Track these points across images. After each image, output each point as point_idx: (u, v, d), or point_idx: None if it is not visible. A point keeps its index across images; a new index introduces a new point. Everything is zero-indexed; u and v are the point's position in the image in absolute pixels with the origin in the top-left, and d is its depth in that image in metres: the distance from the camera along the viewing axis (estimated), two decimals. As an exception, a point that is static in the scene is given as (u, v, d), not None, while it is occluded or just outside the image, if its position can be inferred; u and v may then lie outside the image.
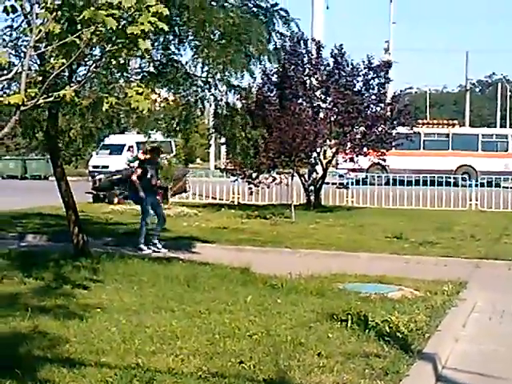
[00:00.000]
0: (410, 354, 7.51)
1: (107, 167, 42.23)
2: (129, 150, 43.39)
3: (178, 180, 28.86)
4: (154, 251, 15.38)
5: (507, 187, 29.62)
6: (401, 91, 27.98)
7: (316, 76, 25.01)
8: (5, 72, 9.53)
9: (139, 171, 15.54)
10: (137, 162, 22.57)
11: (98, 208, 24.73)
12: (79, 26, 7.88)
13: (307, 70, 25.03)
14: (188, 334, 7.96)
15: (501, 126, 68.28)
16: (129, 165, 25.93)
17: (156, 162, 16.65)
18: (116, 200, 26.57)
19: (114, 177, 28.51)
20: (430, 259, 15.28)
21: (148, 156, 16.34)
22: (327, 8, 28.98)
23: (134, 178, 15.52)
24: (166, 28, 8.43)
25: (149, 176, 15.50)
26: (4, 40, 11.89)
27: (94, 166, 43.41)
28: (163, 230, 16.43)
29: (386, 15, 60.55)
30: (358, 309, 9.26)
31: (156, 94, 13.27)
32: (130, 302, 9.75)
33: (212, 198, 28.72)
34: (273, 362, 7.00)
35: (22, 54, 9.20)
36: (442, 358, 7.85)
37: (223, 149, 30.79)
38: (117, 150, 43.62)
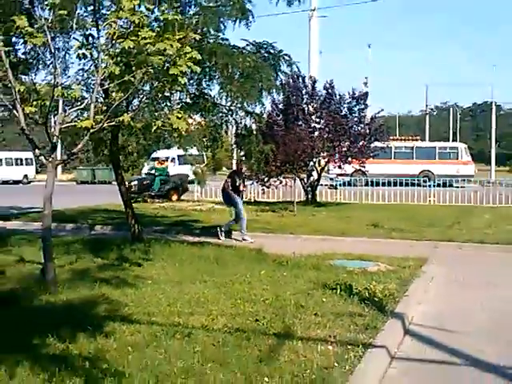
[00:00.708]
0: (385, 313, 7.79)
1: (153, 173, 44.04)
2: (172, 161, 44.46)
3: (184, 183, 29.33)
4: (219, 237, 15.39)
5: (458, 187, 30.28)
6: (376, 114, 27.69)
7: (312, 104, 25.36)
8: (78, 103, 10.55)
9: (229, 181, 15.46)
10: (153, 170, 23.74)
11: (148, 205, 24.76)
12: (134, 68, 8.97)
13: (305, 99, 25.42)
14: (216, 300, 8.25)
15: (453, 141, 68.90)
16: (148, 173, 26.74)
17: (242, 172, 16.34)
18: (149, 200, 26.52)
19: (144, 182, 28.38)
20: (400, 241, 15.33)
21: (238, 169, 16.45)
22: (320, 53, 29.52)
23: (226, 187, 15.57)
24: (198, 69, 9.38)
25: (237, 184, 15.40)
26: (77, 79, 12.06)
27: (146, 173, 44.99)
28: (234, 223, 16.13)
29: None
30: (344, 280, 9.59)
31: (191, 118, 13.34)
32: (173, 276, 9.99)
33: None
34: (280, 320, 7.27)
35: (91, 90, 9.60)
36: (409, 317, 8.06)
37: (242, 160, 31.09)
38: (162, 161, 44.79)
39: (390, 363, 6.34)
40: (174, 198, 28.34)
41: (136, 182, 28.09)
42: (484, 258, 13.70)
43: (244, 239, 15.27)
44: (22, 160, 50.13)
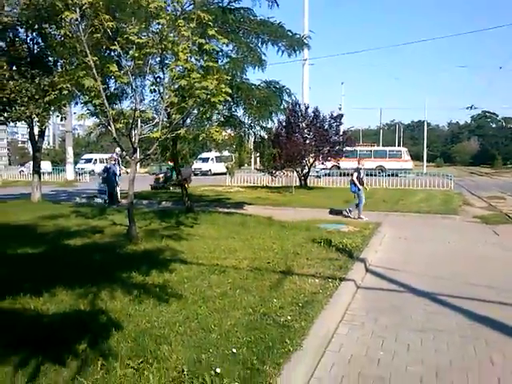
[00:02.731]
0: (353, 258, 7.86)
1: (200, 169, 44.41)
2: (212, 160, 44.66)
3: (189, 175, 27.10)
4: (348, 216, 14.07)
5: (403, 176, 30.12)
6: (347, 129, 27.88)
7: (304, 122, 25.13)
8: (150, 122, 10.66)
9: (355, 174, 14.17)
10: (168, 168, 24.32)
11: (196, 188, 23.97)
12: (187, 98, 9.04)
13: (300, 118, 25.09)
14: (242, 249, 8.25)
15: (398, 146, 68.78)
16: (169, 168, 25.50)
17: (359, 168, 14.75)
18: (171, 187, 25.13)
19: (167, 175, 26.54)
20: (363, 211, 14.51)
21: (358, 164, 14.98)
22: (310, 88, 29.29)
23: (354, 178, 14.15)
24: (229, 99, 9.44)
25: (361, 176, 14.31)
26: (150, 106, 12.17)
27: (195, 168, 45.47)
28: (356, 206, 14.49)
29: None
30: (326, 236, 9.53)
31: (225, 131, 13.16)
32: (213, 234, 9.95)
33: (253, 183, 28.11)
34: (284, 262, 7.32)
35: (159, 113, 9.51)
36: (369, 260, 8.08)
37: (258, 159, 31.06)
38: (206, 160, 44.87)
39: (356, 290, 6.40)
40: (187, 185, 26.74)
41: (162, 175, 27.19)
42: (419, 222, 13.54)
43: (360, 217, 13.78)
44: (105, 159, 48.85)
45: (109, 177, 17.31)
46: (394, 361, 4.13)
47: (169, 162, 22.65)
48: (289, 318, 4.76)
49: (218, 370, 3.51)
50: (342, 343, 4.52)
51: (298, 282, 6.20)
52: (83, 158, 50.42)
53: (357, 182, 14.06)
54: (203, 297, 5.39)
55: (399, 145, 78.03)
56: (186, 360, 3.70)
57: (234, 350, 3.90)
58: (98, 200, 18.06)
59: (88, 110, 9.22)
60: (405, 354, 4.27)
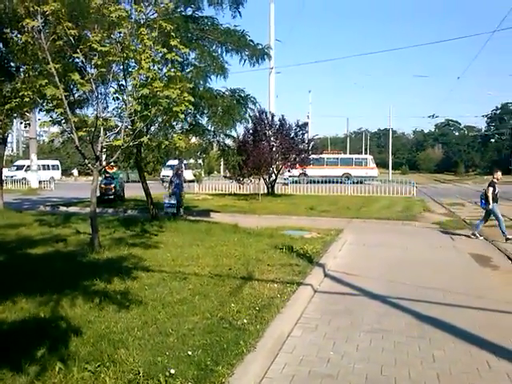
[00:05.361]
0: (312, 263, 8.06)
1: (168, 176, 44.54)
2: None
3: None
4: (477, 237, 11.92)
5: (368, 183, 30.87)
6: (313, 137, 28.02)
7: (271, 130, 25.33)
8: (114, 129, 10.61)
9: (491, 190, 11.77)
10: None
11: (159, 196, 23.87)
12: (150, 107, 9.09)
13: (267, 126, 25.25)
14: (204, 256, 8.31)
15: (364, 154, 70.22)
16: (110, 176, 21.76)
17: (495, 183, 12.17)
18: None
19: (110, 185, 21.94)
20: (326, 218, 15.43)
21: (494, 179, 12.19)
22: (276, 96, 29.55)
23: (489, 194, 11.75)
24: (191, 108, 9.58)
25: (496, 192, 11.87)
26: (113, 113, 11.12)
27: (163, 176, 45.27)
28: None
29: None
30: (288, 243, 9.72)
31: (189, 139, 13.51)
32: (176, 241, 9.92)
33: (221, 190, 28.32)
34: (245, 268, 7.45)
35: (123, 120, 9.27)
36: (328, 266, 8.28)
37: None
38: (172, 167, 44.85)
39: (313, 294, 6.61)
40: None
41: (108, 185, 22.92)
42: (379, 228, 13.83)
43: (508, 238, 11.48)
44: (49, 166, 44.61)
45: (176, 188, 16.08)
46: (342, 360, 4.37)
47: (108, 169, 20.39)
48: (245, 321, 4.94)
49: (173, 371, 3.65)
50: (295, 345, 4.74)
51: (257, 287, 6.36)
52: (15, 164, 45.75)
53: (490, 199, 11.92)
54: (163, 303, 5.51)
55: (366, 152, 79.74)
56: (142, 363, 3.84)
57: (190, 353, 4.06)
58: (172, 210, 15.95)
59: (51, 117, 9.18)
60: (354, 354, 4.52)
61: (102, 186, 21.18)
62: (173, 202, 15.45)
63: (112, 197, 21.62)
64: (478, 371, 4.15)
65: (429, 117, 76.97)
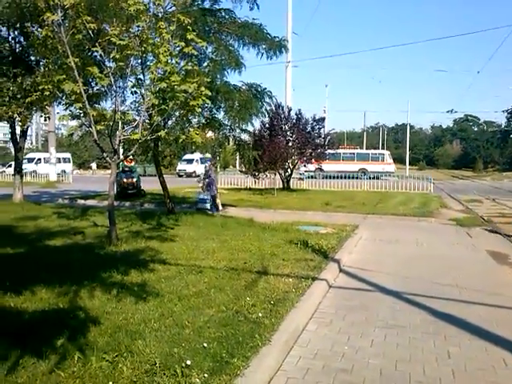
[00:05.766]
0: (327, 259, 8.03)
1: (185, 170, 45.53)
2: (196, 161, 44.25)
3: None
4: None
5: (384, 179, 30.60)
6: (329, 131, 27.95)
7: (287, 124, 25.21)
8: (132, 123, 10.72)
9: None
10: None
11: (179, 190, 23.33)
12: (167, 101, 9.13)
13: (283, 121, 25.11)
14: (220, 250, 8.38)
15: (381, 149, 69.64)
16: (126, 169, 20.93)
17: None
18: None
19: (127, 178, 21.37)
20: (341, 214, 15.38)
21: None
22: (293, 90, 29.38)
23: None
24: (209, 102, 9.65)
25: None
26: (131, 107, 11.50)
27: (179, 170, 45.93)
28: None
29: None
30: (303, 238, 9.76)
31: (205, 133, 13.39)
32: (192, 235, 10.02)
33: (235, 185, 28.16)
34: (260, 262, 7.46)
35: (140, 114, 9.46)
36: (343, 261, 8.22)
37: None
38: (190, 161, 45.29)
39: (328, 289, 6.60)
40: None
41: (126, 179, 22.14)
42: (395, 224, 13.70)
43: None
44: (60, 159, 43.55)
45: (210, 183, 15.92)
46: (357, 355, 4.38)
47: (126, 163, 20.08)
48: (260, 314, 4.97)
49: (189, 363, 3.71)
50: (309, 339, 4.76)
51: (272, 281, 6.38)
52: (25, 157, 45.54)
53: None
54: (179, 295, 5.57)
55: (383, 147, 79.11)
56: (159, 354, 3.90)
57: (205, 345, 4.11)
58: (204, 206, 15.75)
59: (70, 111, 9.29)
60: (368, 349, 4.53)
61: (124, 180, 20.64)
62: (205, 197, 15.33)
63: (134, 191, 20.99)
64: (494, 368, 4.13)
65: (447, 112, 76.46)
